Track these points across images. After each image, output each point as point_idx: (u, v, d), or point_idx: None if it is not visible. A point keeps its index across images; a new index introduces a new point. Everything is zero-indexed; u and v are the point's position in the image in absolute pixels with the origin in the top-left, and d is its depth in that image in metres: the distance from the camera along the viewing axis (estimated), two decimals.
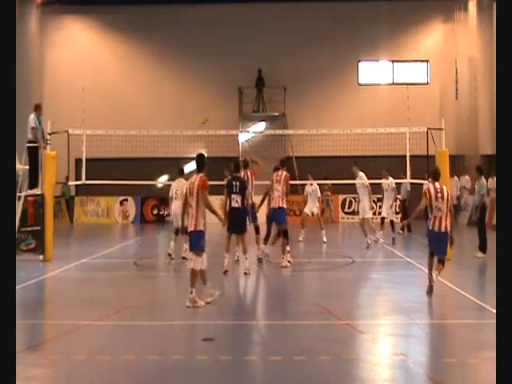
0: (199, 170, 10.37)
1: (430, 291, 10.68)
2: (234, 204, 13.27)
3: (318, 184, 20.22)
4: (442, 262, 10.87)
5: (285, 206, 14.76)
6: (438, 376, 6.70)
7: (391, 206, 19.35)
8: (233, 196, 13.30)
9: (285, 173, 14.95)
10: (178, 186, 15.84)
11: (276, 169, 15.29)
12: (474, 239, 16.28)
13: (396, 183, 19.43)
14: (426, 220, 11.41)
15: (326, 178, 22.45)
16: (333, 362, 7.09)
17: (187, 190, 10.22)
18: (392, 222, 19.30)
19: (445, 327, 9.25)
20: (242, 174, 14.35)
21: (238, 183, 13.35)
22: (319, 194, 19.93)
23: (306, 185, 19.99)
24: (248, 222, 14.19)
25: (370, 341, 8.14)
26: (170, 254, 15.58)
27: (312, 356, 7.21)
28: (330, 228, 21.46)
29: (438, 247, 10.88)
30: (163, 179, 28.52)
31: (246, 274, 13.14)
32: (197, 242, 10.11)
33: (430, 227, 10.88)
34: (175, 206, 15.61)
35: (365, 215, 18.12)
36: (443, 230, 10.83)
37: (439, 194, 10.83)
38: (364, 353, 7.70)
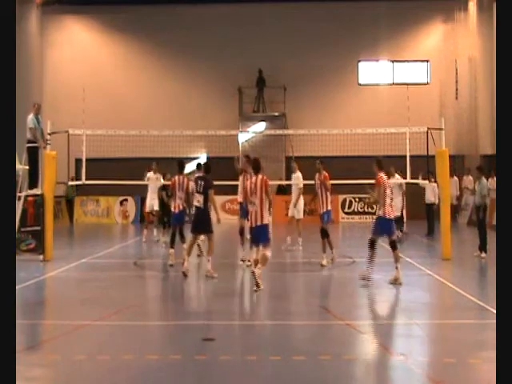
0: (258, 171, 11.69)
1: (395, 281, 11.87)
2: (196, 203, 13.18)
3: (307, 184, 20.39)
4: (395, 245, 12.08)
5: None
6: (438, 376, 6.70)
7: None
8: (196, 195, 13.21)
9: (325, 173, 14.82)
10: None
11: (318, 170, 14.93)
12: (474, 239, 16.28)
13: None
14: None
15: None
16: (333, 362, 7.09)
17: (248, 189, 11.45)
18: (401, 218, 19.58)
19: (445, 327, 9.25)
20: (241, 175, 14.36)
21: (202, 183, 13.14)
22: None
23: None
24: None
25: (370, 341, 8.14)
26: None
27: (312, 356, 7.21)
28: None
29: (391, 231, 12.06)
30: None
31: (207, 276, 12.78)
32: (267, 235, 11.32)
33: (387, 216, 11.94)
34: None
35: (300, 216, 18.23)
36: (393, 216, 12.28)
37: (389, 185, 12.25)
38: (364, 353, 7.70)
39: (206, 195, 12.97)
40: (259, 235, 11.36)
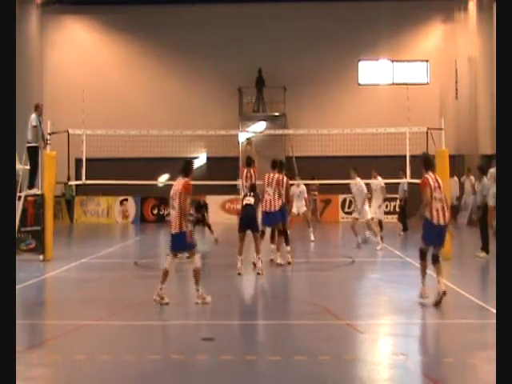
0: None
1: (440, 300, 9.95)
2: (247, 201, 13.48)
3: (306, 184, 20.31)
4: (437, 258, 10.24)
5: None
6: (437, 376, 6.70)
7: (379, 206, 19.03)
8: (247, 198, 13.55)
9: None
10: None
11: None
12: (474, 239, 16.27)
13: (393, 183, 19.41)
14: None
15: (313, 178, 22.43)
16: (333, 362, 7.08)
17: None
18: (380, 221, 19.12)
19: (445, 327, 9.25)
20: (245, 171, 14.34)
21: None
22: (305, 194, 19.68)
23: (292, 185, 19.03)
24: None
25: (370, 341, 8.14)
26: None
27: (312, 356, 7.21)
28: (328, 228, 21.45)
29: (438, 240, 10.17)
30: (163, 179, 28.52)
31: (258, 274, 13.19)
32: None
33: (435, 221, 9.97)
34: None
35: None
36: (446, 222, 10.12)
37: (436, 184, 10.13)
38: (364, 353, 7.69)
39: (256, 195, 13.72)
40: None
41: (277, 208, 14.04)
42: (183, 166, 10.57)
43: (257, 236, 13.40)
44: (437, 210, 9.93)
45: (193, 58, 31.14)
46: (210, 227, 19.97)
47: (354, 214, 18.32)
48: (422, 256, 10.30)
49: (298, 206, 19.33)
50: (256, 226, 13.47)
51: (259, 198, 13.80)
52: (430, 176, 10.14)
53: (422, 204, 10.10)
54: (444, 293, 9.96)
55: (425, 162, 10.28)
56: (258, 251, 13.31)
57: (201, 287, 10.21)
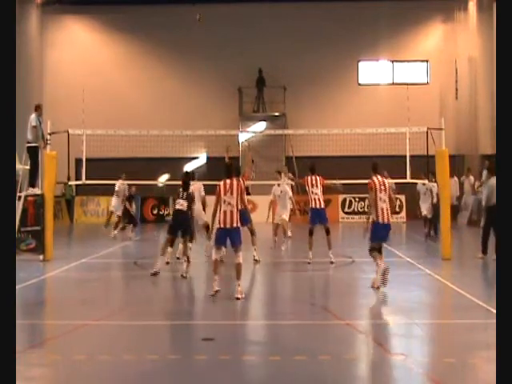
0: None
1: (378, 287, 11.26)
2: (179, 207, 13.17)
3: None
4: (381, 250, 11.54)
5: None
6: (438, 376, 6.70)
7: (429, 208, 19.77)
8: (178, 200, 13.23)
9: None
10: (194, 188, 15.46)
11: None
12: (474, 239, 16.27)
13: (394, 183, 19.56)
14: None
15: None
16: (333, 362, 7.09)
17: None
18: (430, 219, 19.86)
19: (445, 327, 9.25)
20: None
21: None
22: (290, 194, 17.55)
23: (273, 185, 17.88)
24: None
25: (370, 341, 8.14)
26: (178, 258, 15.18)
27: (312, 356, 7.21)
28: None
29: (385, 236, 11.62)
30: (163, 179, 28.50)
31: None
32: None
33: (381, 221, 11.32)
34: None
35: None
36: (389, 221, 11.51)
37: (382, 187, 11.49)
38: (364, 353, 7.70)
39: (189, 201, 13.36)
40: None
41: (323, 206, 14.93)
42: (229, 170, 11.08)
43: (186, 239, 13.25)
44: (382, 210, 11.34)
45: (193, 58, 31.13)
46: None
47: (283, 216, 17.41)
48: (374, 250, 11.41)
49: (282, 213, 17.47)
50: (188, 230, 13.26)
51: (192, 200, 13.45)
52: (376, 179, 11.50)
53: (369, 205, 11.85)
54: (378, 287, 11.16)
55: (373, 167, 11.63)
56: (163, 253, 13.42)
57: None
